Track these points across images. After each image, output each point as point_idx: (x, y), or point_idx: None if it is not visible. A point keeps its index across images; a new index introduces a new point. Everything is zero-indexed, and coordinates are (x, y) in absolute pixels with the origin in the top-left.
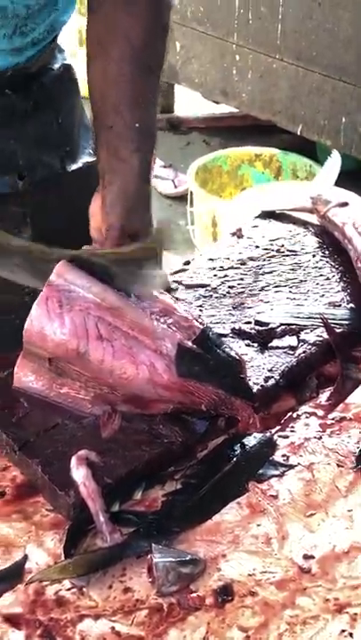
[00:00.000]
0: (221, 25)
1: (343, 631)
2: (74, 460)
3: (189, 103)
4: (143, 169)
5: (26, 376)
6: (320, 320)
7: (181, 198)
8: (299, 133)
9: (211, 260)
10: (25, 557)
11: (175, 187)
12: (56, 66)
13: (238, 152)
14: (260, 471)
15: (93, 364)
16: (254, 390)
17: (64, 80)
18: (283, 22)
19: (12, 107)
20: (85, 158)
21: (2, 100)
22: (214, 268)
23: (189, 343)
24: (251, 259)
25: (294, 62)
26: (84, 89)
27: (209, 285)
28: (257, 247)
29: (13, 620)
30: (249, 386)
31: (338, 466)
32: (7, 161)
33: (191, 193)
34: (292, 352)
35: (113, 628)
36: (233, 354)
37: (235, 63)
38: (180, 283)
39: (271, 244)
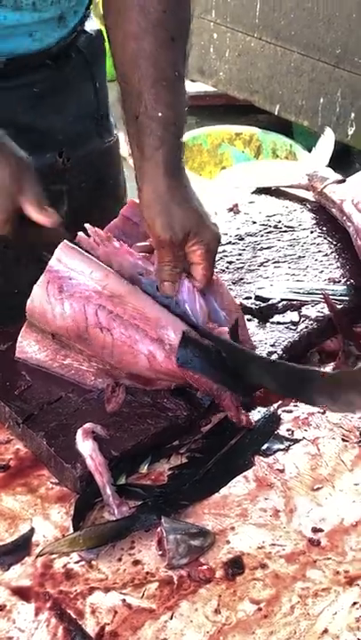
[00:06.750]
0: (198, 2)
1: (355, 603)
2: (80, 433)
3: None
4: (169, 166)
5: (30, 345)
6: (321, 296)
7: None
8: (276, 113)
9: None
10: (32, 530)
11: None
12: (88, 29)
13: (218, 131)
14: (266, 445)
15: (94, 348)
16: None
17: (97, 44)
18: (261, 0)
19: (53, 78)
20: (115, 131)
21: (46, 73)
22: None
23: (194, 332)
24: (248, 234)
25: (273, 41)
26: None
27: None
28: (254, 223)
29: (22, 593)
30: (243, 384)
31: (343, 440)
32: (48, 137)
33: None
34: (293, 327)
35: (124, 600)
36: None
37: (212, 41)
38: None
39: (268, 220)
